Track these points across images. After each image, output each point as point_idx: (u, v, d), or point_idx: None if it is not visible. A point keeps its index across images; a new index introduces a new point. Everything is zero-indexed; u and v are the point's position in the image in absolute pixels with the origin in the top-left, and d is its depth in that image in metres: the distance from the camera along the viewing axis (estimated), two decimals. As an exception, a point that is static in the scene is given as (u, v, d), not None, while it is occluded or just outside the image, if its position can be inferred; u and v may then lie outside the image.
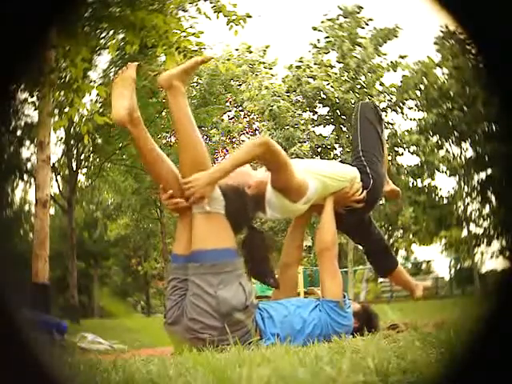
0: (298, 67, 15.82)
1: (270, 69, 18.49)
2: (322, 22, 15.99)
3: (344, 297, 2.49)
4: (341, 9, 15.82)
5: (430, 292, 17.61)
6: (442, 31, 15.52)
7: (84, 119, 6.62)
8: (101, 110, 12.78)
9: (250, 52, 18.80)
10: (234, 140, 17.64)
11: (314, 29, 16.09)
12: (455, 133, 16.21)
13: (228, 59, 16.74)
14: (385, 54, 15.79)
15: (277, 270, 2.67)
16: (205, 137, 16.69)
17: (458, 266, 19.53)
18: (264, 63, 18.59)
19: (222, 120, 17.38)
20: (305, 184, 2.52)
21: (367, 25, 15.82)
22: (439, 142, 16.55)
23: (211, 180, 2.28)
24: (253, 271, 2.45)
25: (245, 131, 18.13)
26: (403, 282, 3.21)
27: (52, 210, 20.03)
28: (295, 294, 2.84)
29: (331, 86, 15.45)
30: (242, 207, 2.43)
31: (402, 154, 16.02)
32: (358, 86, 15.47)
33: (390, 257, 3.19)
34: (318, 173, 2.63)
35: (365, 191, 2.81)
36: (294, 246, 2.83)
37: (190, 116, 2.40)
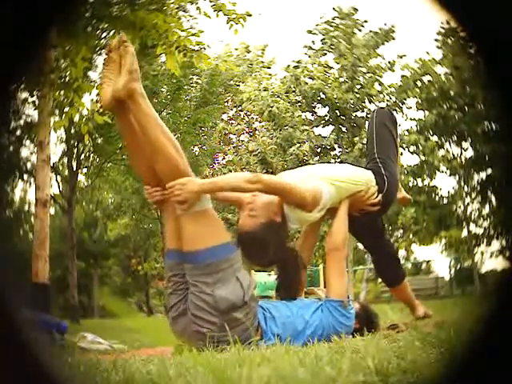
0: (296, 67, 15.83)
1: (269, 68, 18.49)
2: (317, 24, 16.00)
3: (348, 297, 2.50)
4: (336, 10, 15.83)
5: (430, 292, 17.60)
6: (443, 27, 15.50)
7: (84, 119, 6.61)
8: (101, 110, 12.79)
9: (249, 52, 18.80)
10: (233, 141, 17.63)
11: (309, 32, 16.11)
12: (455, 133, 16.20)
13: (225, 60, 16.73)
14: (381, 55, 15.79)
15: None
16: (204, 137, 16.68)
17: (458, 266, 19.52)
18: (263, 62, 18.59)
19: (222, 120, 17.38)
20: (318, 193, 2.51)
21: (363, 26, 15.82)
22: (439, 141, 16.54)
23: (200, 189, 2.23)
24: (282, 288, 2.50)
25: (244, 131, 18.13)
26: (407, 298, 3.12)
27: (52, 210, 20.03)
28: (302, 293, 2.84)
29: (329, 87, 15.46)
30: (278, 239, 2.44)
31: (402, 154, 16.01)
32: (358, 86, 15.47)
33: (399, 267, 3.15)
34: (332, 178, 2.63)
35: (380, 195, 2.80)
36: (305, 246, 2.84)
37: (157, 119, 2.30)
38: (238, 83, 17.18)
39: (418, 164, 16.31)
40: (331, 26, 15.78)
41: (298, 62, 16.02)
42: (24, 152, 14.38)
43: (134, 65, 2.29)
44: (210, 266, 2.19)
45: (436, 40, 16.05)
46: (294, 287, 2.51)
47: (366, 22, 15.85)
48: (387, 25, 15.75)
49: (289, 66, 16.04)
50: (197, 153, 15.39)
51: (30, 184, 15.76)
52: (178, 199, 2.21)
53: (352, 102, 15.21)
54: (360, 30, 15.79)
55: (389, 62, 15.76)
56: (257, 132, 17.32)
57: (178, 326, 2.29)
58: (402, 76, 15.97)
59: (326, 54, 16.02)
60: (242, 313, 2.21)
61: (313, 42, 16.12)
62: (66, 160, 15.11)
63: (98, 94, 12.58)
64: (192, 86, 15.22)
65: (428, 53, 16.14)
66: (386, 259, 3.10)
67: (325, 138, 15.78)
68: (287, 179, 2.54)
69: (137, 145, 2.36)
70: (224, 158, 16.96)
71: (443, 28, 15.50)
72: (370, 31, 15.76)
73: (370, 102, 15.64)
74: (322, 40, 15.91)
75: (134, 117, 2.29)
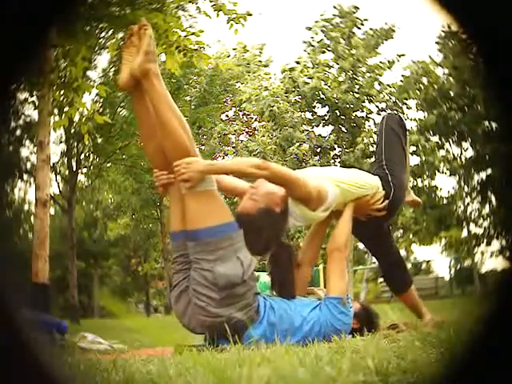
0: (292, 69, 15.78)
1: (266, 66, 18.47)
2: (317, 21, 15.98)
3: (347, 296, 2.53)
4: (336, 9, 15.80)
5: (430, 292, 17.60)
6: (443, 30, 15.50)
7: (84, 119, 6.61)
8: (101, 110, 12.80)
9: (246, 51, 18.79)
10: (232, 142, 17.62)
11: (309, 29, 16.09)
12: (455, 133, 16.19)
13: (219, 58, 16.72)
14: (381, 54, 15.77)
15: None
16: (204, 137, 16.68)
17: (458, 266, 19.52)
18: (260, 61, 18.58)
19: (221, 120, 17.37)
20: (324, 191, 2.55)
21: (363, 25, 15.80)
22: (439, 142, 16.54)
23: (205, 169, 2.30)
24: (274, 283, 2.53)
25: (244, 131, 18.12)
26: (413, 304, 3.11)
27: (52, 210, 20.03)
28: (305, 292, 2.86)
29: (329, 86, 15.45)
30: (274, 229, 2.48)
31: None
32: (357, 87, 15.46)
33: (405, 273, 3.17)
34: (338, 180, 2.67)
35: (386, 201, 2.83)
36: (310, 247, 2.88)
37: (170, 100, 2.38)
38: (236, 83, 17.19)
39: (419, 164, 16.31)
40: (331, 24, 15.76)
41: (297, 62, 15.99)
42: (24, 152, 14.39)
43: (151, 46, 2.39)
44: (212, 243, 2.25)
45: (436, 42, 16.06)
46: (288, 285, 2.52)
47: (366, 20, 15.83)
48: (388, 24, 15.74)
49: (289, 68, 15.99)
50: (196, 153, 15.40)
51: (30, 184, 15.76)
52: (183, 177, 2.27)
53: (352, 101, 15.20)
54: (359, 28, 15.77)
55: (388, 62, 15.75)
56: (256, 132, 17.32)
57: (179, 305, 2.35)
58: (403, 76, 15.96)
59: (324, 52, 16.01)
60: (240, 290, 2.26)
61: (312, 38, 16.10)
62: (65, 160, 15.11)
63: (97, 94, 12.57)
64: (191, 86, 15.23)
65: (429, 56, 16.14)
66: (392, 266, 3.12)
67: (325, 137, 15.78)
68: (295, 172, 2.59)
69: (149, 126, 2.44)
70: (224, 158, 16.95)
71: (443, 29, 15.50)
72: (371, 29, 15.74)
73: (370, 101, 15.64)
74: (320, 41, 15.89)
75: (148, 96, 2.39)
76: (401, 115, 3.51)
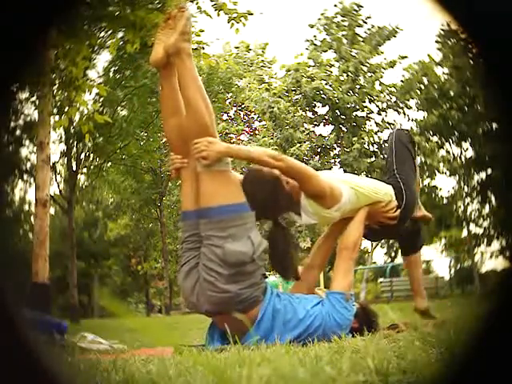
0: (297, 70, 15.78)
1: (269, 67, 18.46)
2: (319, 19, 15.98)
3: (351, 294, 2.56)
4: (338, 7, 15.79)
5: (430, 292, 17.59)
6: (442, 30, 15.50)
7: (84, 118, 6.60)
8: (101, 109, 12.79)
9: (249, 50, 18.77)
10: (232, 141, 17.60)
11: (311, 26, 16.07)
12: (455, 133, 16.19)
13: (226, 60, 16.73)
14: (383, 53, 15.76)
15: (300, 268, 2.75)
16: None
17: (458, 266, 19.51)
18: (263, 61, 18.57)
19: (222, 120, 17.35)
20: (337, 191, 2.60)
21: (365, 23, 15.79)
22: (439, 142, 16.53)
23: (224, 151, 2.36)
24: (274, 265, 2.56)
25: (244, 131, 18.10)
26: (414, 278, 3.25)
27: (52, 210, 20.02)
28: (312, 293, 2.88)
29: (330, 86, 15.44)
30: (274, 196, 2.50)
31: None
32: (358, 87, 15.45)
33: (416, 238, 3.28)
34: (352, 183, 2.71)
35: (399, 210, 2.87)
36: (321, 251, 2.90)
37: (198, 80, 2.46)
38: (237, 81, 17.17)
39: (419, 165, 16.28)
40: (333, 23, 15.75)
41: (299, 64, 15.98)
42: (24, 152, 14.34)
43: (187, 27, 2.51)
44: (224, 221, 2.31)
45: (436, 41, 16.05)
46: (288, 266, 2.54)
47: (369, 17, 15.82)
48: (390, 24, 15.76)
49: (289, 68, 15.97)
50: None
51: (30, 184, 15.73)
52: (202, 154, 2.33)
53: (352, 101, 15.19)
54: (361, 26, 15.75)
55: (390, 61, 15.75)
56: (257, 132, 17.30)
57: (188, 282, 2.38)
58: (403, 76, 15.96)
59: (326, 50, 16.01)
60: (249, 268, 2.31)
61: (315, 36, 16.09)
62: (65, 160, 15.10)
63: (97, 94, 12.57)
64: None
65: (429, 55, 16.13)
66: (405, 234, 3.21)
67: (325, 137, 15.76)
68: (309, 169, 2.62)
69: (173, 104, 2.52)
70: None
71: (444, 29, 15.49)
72: (373, 26, 15.73)
73: (370, 101, 15.63)
74: (323, 40, 15.89)
75: (178, 73, 2.48)
76: (409, 131, 3.58)
